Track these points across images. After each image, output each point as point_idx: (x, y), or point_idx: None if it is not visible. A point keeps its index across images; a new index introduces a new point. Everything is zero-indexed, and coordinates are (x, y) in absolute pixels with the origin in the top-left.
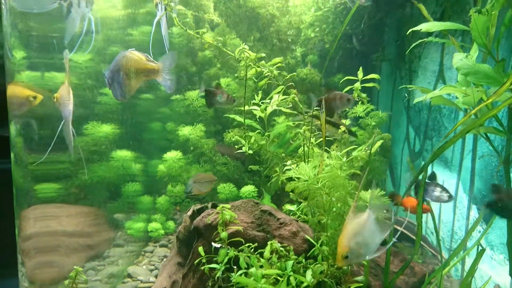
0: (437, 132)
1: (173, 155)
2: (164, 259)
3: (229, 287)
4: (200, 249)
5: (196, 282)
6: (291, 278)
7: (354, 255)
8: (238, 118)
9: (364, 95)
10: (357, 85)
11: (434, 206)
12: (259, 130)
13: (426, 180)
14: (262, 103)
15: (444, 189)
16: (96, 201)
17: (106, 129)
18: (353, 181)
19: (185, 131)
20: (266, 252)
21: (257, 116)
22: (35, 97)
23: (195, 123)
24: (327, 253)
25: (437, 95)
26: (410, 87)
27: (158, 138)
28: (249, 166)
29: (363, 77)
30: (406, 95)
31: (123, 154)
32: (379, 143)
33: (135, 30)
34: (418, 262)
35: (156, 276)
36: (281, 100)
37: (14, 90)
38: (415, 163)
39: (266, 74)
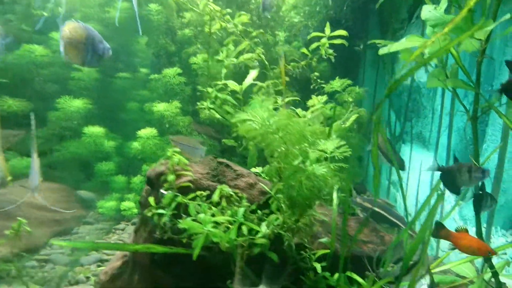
0: (416, 113)
1: (147, 132)
2: None
3: (180, 239)
4: (151, 199)
5: (147, 235)
6: (243, 227)
7: None
8: (210, 90)
9: (330, 51)
10: (324, 40)
11: (412, 185)
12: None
13: (480, 192)
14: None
15: (492, 197)
16: (67, 179)
17: (78, 103)
18: (312, 128)
19: (160, 107)
20: (215, 196)
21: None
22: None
23: (171, 101)
24: (282, 202)
25: (404, 49)
26: (378, 42)
27: (135, 119)
28: (223, 140)
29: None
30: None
31: (95, 130)
32: (353, 117)
33: (112, 8)
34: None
35: None
36: (247, 58)
37: None
38: (395, 146)
39: (231, 30)
